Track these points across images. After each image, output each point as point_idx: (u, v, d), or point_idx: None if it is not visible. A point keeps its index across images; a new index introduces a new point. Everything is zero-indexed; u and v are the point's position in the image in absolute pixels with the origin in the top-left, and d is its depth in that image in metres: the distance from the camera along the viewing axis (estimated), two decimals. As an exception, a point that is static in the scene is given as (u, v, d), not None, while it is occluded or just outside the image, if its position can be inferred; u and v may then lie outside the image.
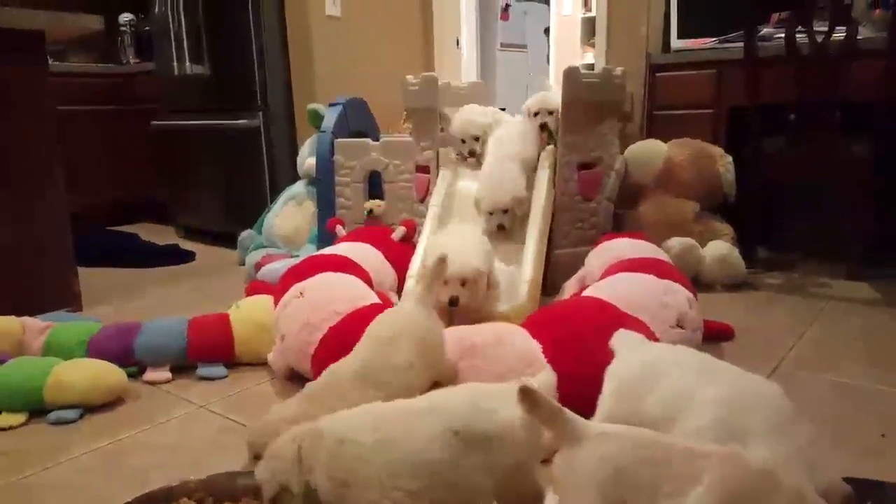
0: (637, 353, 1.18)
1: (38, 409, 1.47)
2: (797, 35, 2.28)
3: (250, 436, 1.26)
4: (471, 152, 2.28)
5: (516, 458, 0.92)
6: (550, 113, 2.23)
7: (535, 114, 2.25)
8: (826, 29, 2.23)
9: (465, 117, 2.31)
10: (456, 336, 1.42)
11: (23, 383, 1.45)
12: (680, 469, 0.79)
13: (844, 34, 2.22)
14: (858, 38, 2.23)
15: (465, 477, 0.90)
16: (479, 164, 2.24)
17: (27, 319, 1.72)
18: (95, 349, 1.64)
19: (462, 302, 1.63)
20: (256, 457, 1.17)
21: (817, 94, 2.28)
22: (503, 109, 2.61)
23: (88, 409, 1.48)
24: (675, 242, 2.28)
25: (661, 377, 1.06)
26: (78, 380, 1.47)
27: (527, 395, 0.88)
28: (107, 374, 1.52)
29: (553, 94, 2.28)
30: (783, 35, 2.32)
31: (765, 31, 2.61)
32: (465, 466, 0.90)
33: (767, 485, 0.78)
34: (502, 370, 1.32)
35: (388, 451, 0.91)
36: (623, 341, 1.25)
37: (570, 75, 2.11)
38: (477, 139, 2.27)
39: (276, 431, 1.07)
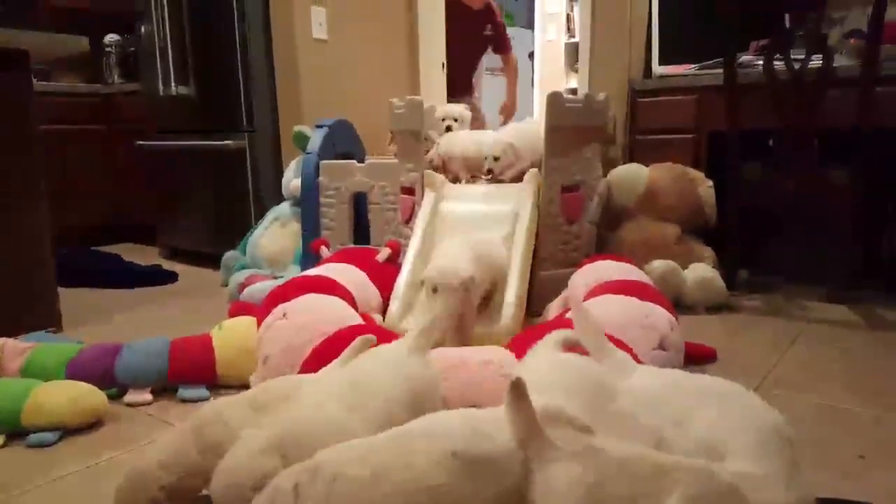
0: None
1: (16, 432, 1.44)
2: (775, 63, 2.34)
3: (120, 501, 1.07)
4: (489, 171, 2.29)
5: (514, 481, 0.88)
6: (455, 120, 2.48)
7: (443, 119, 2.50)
8: (803, 57, 2.29)
9: (474, 139, 2.37)
10: (440, 356, 1.42)
11: (0, 405, 1.43)
12: (651, 485, 0.79)
13: (821, 62, 2.28)
14: (834, 66, 2.29)
15: (466, 502, 0.86)
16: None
17: (6, 340, 1.70)
18: (75, 371, 1.62)
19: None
20: None
21: (795, 120, 2.32)
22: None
23: (68, 431, 1.46)
24: (658, 265, 2.30)
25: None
26: (57, 402, 1.45)
27: (517, 389, 0.86)
28: (86, 395, 1.50)
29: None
30: (762, 62, 2.38)
31: (744, 58, 2.66)
32: (466, 492, 0.86)
33: (735, 500, 0.79)
34: (488, 389, 1.32)
35: (383, 482, 0.86)
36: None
37: (554, 100, 2.15)
38: (497, 159, 2.26)
39: (156, 481, 1.04)
